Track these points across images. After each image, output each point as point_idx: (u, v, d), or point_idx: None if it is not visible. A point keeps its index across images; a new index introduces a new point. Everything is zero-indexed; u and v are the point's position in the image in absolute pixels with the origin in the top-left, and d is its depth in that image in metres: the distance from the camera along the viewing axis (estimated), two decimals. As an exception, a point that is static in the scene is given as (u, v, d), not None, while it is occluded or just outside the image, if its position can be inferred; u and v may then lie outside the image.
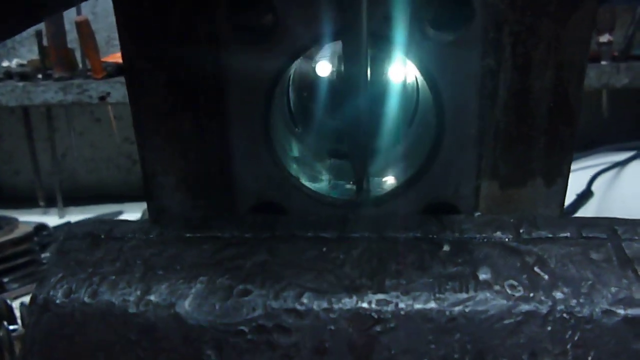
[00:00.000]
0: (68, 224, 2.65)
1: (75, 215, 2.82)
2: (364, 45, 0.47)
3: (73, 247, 0.52)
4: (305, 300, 0.45)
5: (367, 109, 0.50)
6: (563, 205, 0.55)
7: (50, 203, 2.99)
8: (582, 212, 2.00)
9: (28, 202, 3.00)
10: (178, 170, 0.56)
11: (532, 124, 0.53)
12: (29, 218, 2.55)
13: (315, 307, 0.45)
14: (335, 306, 0.44)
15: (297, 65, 0.75)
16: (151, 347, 0.45)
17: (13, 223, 2.13)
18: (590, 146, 2.46)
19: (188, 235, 0.52)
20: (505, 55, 0.51)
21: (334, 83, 0.84)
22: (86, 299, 0.47)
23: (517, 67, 0.51)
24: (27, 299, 1.92)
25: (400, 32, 0.50)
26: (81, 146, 3.12)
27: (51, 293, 0.48)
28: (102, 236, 0.53)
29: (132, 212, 2.82)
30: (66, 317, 0.47)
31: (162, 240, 0.52)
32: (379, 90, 0.69)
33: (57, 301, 0.47)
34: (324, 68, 0.86)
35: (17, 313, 1.62)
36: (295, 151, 0.63)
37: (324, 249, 0.49)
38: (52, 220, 2.78)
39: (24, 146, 3.01)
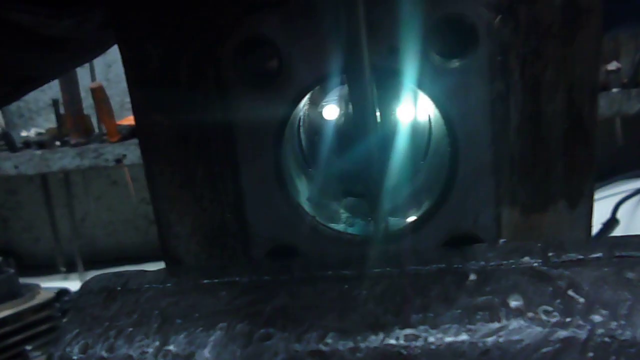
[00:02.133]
0: (88, 288, 2.64)
1: (96, 279, 2.81)
2: (368, 79, 0.47)
3: (89, 303, 0.51)
4: (329, 341, 0.43)
5: (378, 145, 0.50)
6: (590, 227, 0.53)
7: (70, 268, 3.00)
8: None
9: (48, 268, 3.01)
10: (192, 218, 0.56)
11: (548, 147, 0.52)
12: (50, 284, 2.55)
13: (340, 347, 0.43)
14: (362, 345, 0.42)
15: (305, 108, 0.76)
16: (172, 400, 0.43)
17: (34, 290, 2.13)
18: (608, 175, 2.42)
19: (205, 282, 0.51)
20: (514, 78, 0.50)
21: (342, 125, 0.84)
22: (104, 354, 0.45)
23: (527, 90, 0.51)
24: (49, 366, 1.89)
25: (406, 63, 0.50)
26: (99, 210, 3.16)
27: (67, 350, 0.46)
28: (118, 289, 0.52)
29: (152, 272, 2.80)
30: (83, 374, 0.45)
31: (178, 289, 0.51)
32: (389, 126, 0.68)
33: (74, 358, 0.46)
34: (331, 112, 0.86)
35: (39, 381, 1.59)
36: (310, 192, 0.63)
37: (345, 287, 0.47)
38: (74, 285, 2.77)
39: (43, 213, 3.05)
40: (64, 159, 2.63)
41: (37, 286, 2.20)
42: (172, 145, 0.53)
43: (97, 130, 2.77)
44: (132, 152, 2.61)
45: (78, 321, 0.49)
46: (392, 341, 0.42)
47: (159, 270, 0.53)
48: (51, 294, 2.19)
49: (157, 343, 0.45)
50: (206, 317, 0.47)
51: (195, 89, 0.52)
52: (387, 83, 0.58)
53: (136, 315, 0.48)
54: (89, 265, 2.98)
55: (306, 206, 0.56)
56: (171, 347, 0.45)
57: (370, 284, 0.47)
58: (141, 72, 0.52)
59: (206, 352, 0.44)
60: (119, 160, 2.65)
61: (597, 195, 0.55)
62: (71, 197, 3.03)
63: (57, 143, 2.72)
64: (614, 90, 2.42)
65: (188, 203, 0.55)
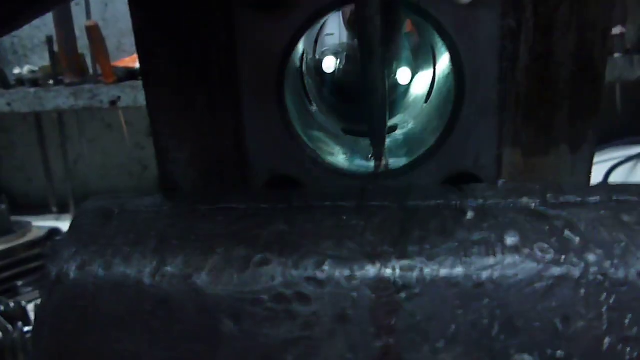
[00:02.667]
0: (80, 229, 2.65)
1: (88, 221, 2.82)
2: (376, 7, 0.45)
3: (86, 222, 0.51)
4: (325, 268, 0.43)
5: (382, 79, 0.49)
6: (590, 172, 0.53)
7: (62, 209, 3.00)
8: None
9: (41, 208, 3.01)
10: (191, 145, 0.55)
11: (555, 88, 0.52)
12: (42, 224, 2.55)
13: (336, 274, 0.43)
14: (357, 273, 0.43)
15: (308, 53, 0.74)
16: (166, 317, 0.44)
17: (26, 227, 2.14)
18: (604, 140, 2.42)
19: (202, 207, 0.50)
20: (527, 15, 0.49)
21: (342, 76, 0.83)
22: (100, 272, 0.46)
23: (538, 28, 0.50)
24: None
25: (417, -6, 0.48)
26: (92, 153, 3.13)
27: (64, 267, 0.46)
28: (115, 211, 0.51)
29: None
30: (80, 290, 0.45)
31: (176, 212, 0.50)
32: (393, 62, 0.67)
33: (71, 275, 0.46)
34: (329, 63, 0.85)
35: (32, 315, 1.62)
36: (311, 126, 0.62)
37: (344, 218, 0.47)
38: (65, 225, 2.78)
39: (37, 153, 3.02)
40: (58, 99, 2.59)
41: (29, 224, 2.21)
42: (172, 68, 0.52)
43: (91, 71, 2.72)
44: (127, 94, 2.57)
45: (75, 240, 0.49)
46: (389, 270, 0.43)
47: (156, 195, 0.53)
48: (43, 232, 2.20)
49: (154, 264, 0.45)
50: (203, 240, 0.47)
51: (198, 9, 0.50)
52: (393, 16, 0.56)
53: (133, 235, 0.48)
54: (82, 207, 2.99)
55: (307, 139, 0.55)
56: (168, 269, 0.45)
57: (368, 215, 0.47)
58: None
59: (203, 275, 0.44)
60: (113, 103, 2.61)
61: (591, 159, 0.55)
62: (65, 139, 3.00)
63: (51, 82, 2.67)
64: (616, 55, 2.39)
65: (187, 129, 0.54)
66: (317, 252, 0.44)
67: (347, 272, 0.43)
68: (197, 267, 0.45)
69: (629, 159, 2.21)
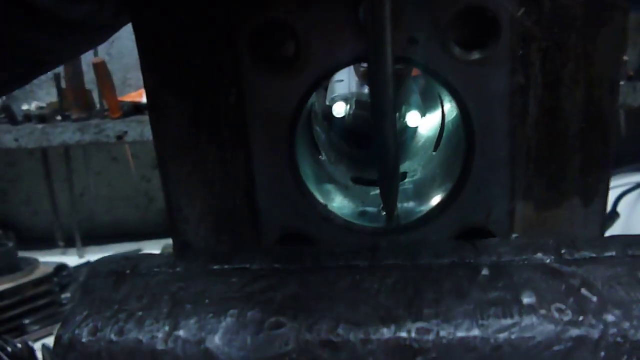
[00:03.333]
0: (88, 263, 2.65)
1: (94, 255, 2.83)
2: (389, 68, 0.46)
3: (97, 285, 0.51)
4: (340, 332, 0.43)
5: (393, 134, 0.49)
6: (603, 226, 0.53)
7: (69, 243, 3.01)
8: (608, 234, 1.95)
9: (47, 242, 3.01)
10: (203, 202, 0.55)
11: (564, 142, 0.52)
12: (48, 258, 2.55)
13: (351, 338, 0.42)
14: (373, 337, 0.42)
15: (318, 100, 0.75)
16: (181, 385, 0.43)
17: (33, 264, 2.14)
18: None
19: (215, 267, 0.50)
20: (535, 72, 0.50)
21: (351, 121, 0.84)
22: (113, 337, 0.45)
23: (546, 84, 0.50)
24: (48, 340, 1.90)
25: (425, 54, 0.49)
26: (99, 185, 3.15)
27: (76, 332, 0.46)
28: (127, 272, 0.51)
29: (151, 250, 2.82)
30: (93, 357, 0.45)
31: (188, 274, 0.50)
32: (403, 116, 0.68)
33: (83, 340, 0.45)
34: (339, 108, 0.86)
35: (39, 355, 1.61)
36: (320, 179, 0.62)
37: (357, 279, 0.47)
38: (72, 260, 2.78)
39: (43, 187, 3.04)
40: (65, 134, 2.62)
41: (36, 260, 2.21)
42: (184, 128, 0.53)
43: (98, 106, 2.75)
44: (133, 128, 2.59)
45: (87, 303, 0.48)
46: (404, 334, 0.42)
47: (168, 254, 0.53)
48: (50, 269, 2.20)
49: (167, 328, 0.45)
50: (217, 303, 0.46)
51: (209, 72, 0.51)
52: (405, 73, 0.57)
53: (145, 299, 0.48)
54: (87, 240, 2.99)
55: (317, 193, 0.55)
56: (181, 333, 0.45)
57: (381, 276, 0.47)
58: (156, 53, 0.51)
59: (217, 339, 0.44)
60: (120, 137, 2.63)
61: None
62: (71, 172, 3.02)
63: (58, 117, 2.70)
64: (619, 82, 2.40)
65: (198, 187, 0.54)
66: (331, 315, 0.44)
67: (361, 336, 0.43)
68: (210, 330, 0.44)
69: (637, 185, 2.21)
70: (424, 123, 0.78)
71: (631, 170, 2.39)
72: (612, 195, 2.16)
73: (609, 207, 2.07)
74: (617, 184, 2.28)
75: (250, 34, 0.49)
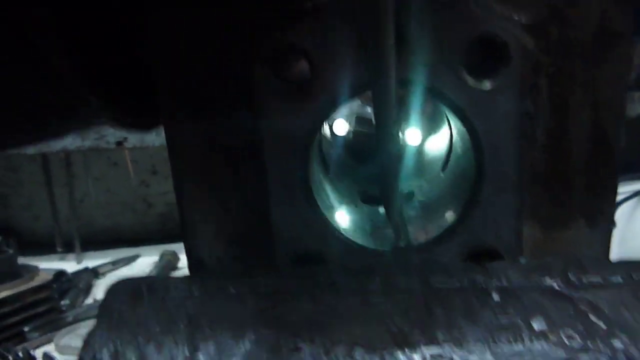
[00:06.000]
0: (86, 269, 2.65)
1: (93, 260, 2.83)
2: (392, 91, 0.47)
3: (116, 305, 0.52)
4: (357, 357, 0.44)
5: (397, 156, 0.50)
6: (609, 247, 0.54)
7: (68, 248, 3.00)
8: (605, 243, 1.97)
9: (46, 247, 3.01)
10: (217, 222, 0.56)
11: (571, 166, 0.53)
12: (47, 264, 2.55)
13: (367, 362, 0.44)
14: (388, 361, 0.43)
15: None
16: (201, 409, 0.44)
17: (33, 271, 2.14)
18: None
19: (231, 289, 0.51)
20: (543, 98, 0.51)
21: (352, 140, 0.85)
22: (133, 360, 0.46)
23: (554, 109, 0.51)
24: (47, 347, 1.90)
25: (436, 80, 0.50)
26: (98, 191, 3.15)
27: (97, 356, 0.47)
28: (144, 293, 0.52)
29: (149, 255, 2.82)
30: (114, 381, 0.46)
31: (205, 295, 0.51)
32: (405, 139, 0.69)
33: (104, 363, 0.46)
34: (340, 127, 0.87)
35: (40, 363, 1.61)
36: (331, 199, 0.63)
37: (370, 299, 0.48)
38: (70, 265, 2.78)
39: (43, 193, 3.04)
40: (65, 139, 2.62)
41: (36, 267, 2.21)
42: (200, 152, 0.54)
43: (98, 112, 2.76)
44: (133, 135, 2.59)
45: (107, 326, 0.49)
46: (418, 358, 0.43)
47: (184, 277, 0.54)
48: (49, 276, 2.20)
49: (186, 351, 0.46)
50: (234, 326, 0.47)
51: (226, 98, 0.52)
52: (412, 96, 0.58)
53: (165, 320, 0.49)
54: (86, 245, 2.99)
55: (329, 213, 0.57)
56: (201, 357, 0.46)
57: (394, 298, 0.48)
58: (173, 77, 0.52)
59: (235, 362, 0.45)
60: (119, 143, 2.63)
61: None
62: (71, 177, 3.02)
63: (58, 123, 2.70)
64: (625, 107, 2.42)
65: (214, 207, 0.56)
66: (347, 339, 0.45)
67: None
68: (229, 355, 0.45)
69: (633, 194, 2.22)
70: (430, 143, 0.79)
71: (628, 179, 2.40)
72: (609, 203, 2.18)
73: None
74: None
75: (267, 59, 0.50)
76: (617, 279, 0.48)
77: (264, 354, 0.45)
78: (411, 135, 0.83)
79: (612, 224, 0.54)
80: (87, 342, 0.48)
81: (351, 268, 0.53)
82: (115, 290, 0.53)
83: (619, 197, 1.90)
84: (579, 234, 0.55)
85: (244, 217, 0.56)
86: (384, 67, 0.44)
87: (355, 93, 0.52)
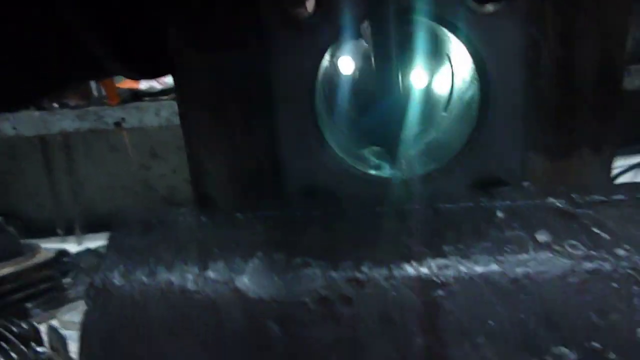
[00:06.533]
0: (88, 250, 2.66)
1: (94, 242, 2.83)
2: (390, 21, 0.47)
3: (125, 234, 0.52)
4: (365, 269, 0.45)
5: (397, 89, 0.51)
6: (610, 172, 0.55)
7: (68, 231, 3.01)
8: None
9: (47, 230, 3.02)
10: (225, 157, 0.57)
11: (577, 93, 0.53)
12: (48, 246, 2.56)
13: (375, 274, 0.44)
14: (396, 273, 0.44)
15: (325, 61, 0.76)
16: (212, 322, 0.45)
17: (35, 249, 2.14)
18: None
19: (239, 216, 0.52)
20: (548, 25, 0.51)
21: (358, 80, 0.84)
22: (144, 279, 0.47)
23: (560, 36, 0.52)
24: (52, 322, 1.91)
25: (440, 6, 0.50)
26: (98, 174, 3.15)
27: (108, 275, 0.48)
28: (155, 222, 0.53)
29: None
30: (125, 298, 0.47)
31: (214, 222, 0.52)
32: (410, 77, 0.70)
33: (116, 282, 0.47)
34: (346, 65, 0.86)
35: (44, 337, 1.62)
36: (338, 136, 0.64)
37: (378, 222, 0.49)
38: (71, 247, 2.79)
39: (42, 176, 3.04)
40: (63, 121, 2.62)
41: (38, 246, 2.22)
42: (207, 83, 0.54)
43: (96, 93, 2.75)
44: (132, 115, 2.59)
45: (117, 250, 0.50)
46: (426, 270, 0.44)
47: (193, 207, 0.55)
48: (51, 254, 2.21)
49: (197, 270, 0.47)
50: (243, 247, 0.48)
51: (233, 27, 0.52)
52: (416, 28, 0.58)
53: (174, 245, 0.50)
54: (87, 229, 2.99)
55: (337, 149, 0.57)
56: (211, 273, 0.46)
57: (402, 219, 0.49)
58: (182, 12, 0.52)
59: (245, 279, 0.46)
60: (118, 124, 2.63)
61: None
62: (71, 161, 3.02)
63: (56, 105, 2.69)
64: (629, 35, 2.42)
65: (221, 142, 0.56)
66: (355, 255, 0.46)
67: (385, 272, 0.45)
68: (238, 271, 0.46)
69: (630, 167, 2.23)
70: (432, 86, 0.79)
71: (625, 153, 2.42)
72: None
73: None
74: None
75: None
76: (621, 197, 0.49)
77: (273, 269, 0.46)
78: (417, 77, 0.82)
79: (614, 151, 0.55)
80: (99, 265, 0.49)
81: (360, 198, 0.53)
82: (122, 221, 0.54)
83: (616, 170, 1.90)
84: (583, 162, 0.55)
85: (252, 152, 0.57)
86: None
87: (358, 24, 0.53)
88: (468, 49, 0.52)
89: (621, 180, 2.23)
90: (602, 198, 0.49)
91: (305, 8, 0.53)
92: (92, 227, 3.04)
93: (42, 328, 1.75)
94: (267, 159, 0.56)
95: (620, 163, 2.33)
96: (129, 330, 0.46)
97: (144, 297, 0.46)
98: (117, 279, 0.47)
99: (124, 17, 0.57)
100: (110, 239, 0.53)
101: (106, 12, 0.53)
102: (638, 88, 2.39)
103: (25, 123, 2.64)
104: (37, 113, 2.65)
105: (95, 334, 0.47)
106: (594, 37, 0.52)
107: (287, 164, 0.55)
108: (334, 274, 0.45)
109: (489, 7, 0.51)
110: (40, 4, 0.52)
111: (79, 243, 2.92)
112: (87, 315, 0.48)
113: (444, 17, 0.51)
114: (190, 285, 0.46)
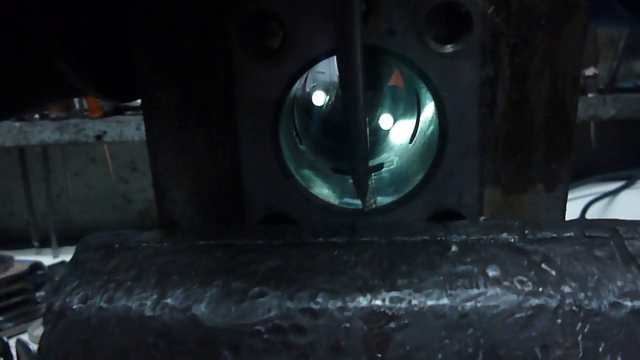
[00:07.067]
0: (63, 262, 2.62)
1: (70, 255, 2.80)
2: (359, 58, 0.49)
3: (87, 258, 0.53)
4: (320, 300, 0.46)
5: (363, 120, 0.52)
6: (564, 211, 0.57)
7: (44, 243, 2.97)
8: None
9: (22, 242, 2.97)
10: (190, 183, 0.58)
11: (530, 132, 0.56)
12: (23, 258, 2.52)
13: (329, 306, 0.45)
14: (350, 304, 0.45)
15: (298, 88, 0.78)
16: (168, 349, 0.45)
17: (8, 261, 2.12)
18: (580, 176, 2.50)
19: (201, 243, 0.53)
20: (503, 65, 0.54)
21: (330, 112, 0.87)
22: (103, 304, 0.47)
23: (514, 77, 0.54)
24: (22, 336, 1.88)
25: (403, 45, 0.52)
26: (76, 186, 3.12)
27: (67, 300, 0.48)
28: (116, 246, 0.53)
29: (127, 251, 2.80)
30: (83, 323, 0.47)
31: (175, 248, 0.53)
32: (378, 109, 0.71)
33: (74, 307, 0.48)
34: (319, 98, 0.89)
35: (13, 351, 1.59)
36: (301, 165, 0.65)
37: (335, 253, 0.50)
38: (47, 259, 2.75)
39: (19, 187, 3.00)
40: (43, 133, 2.60)
41: (11, 258, 2.19)
42: (174, 112, 0.55)
43: (77, 106, 2.74)
44: (112, 129, 2.59)
45: (77, 274, 0.50)
46: (379, 302, 0.45)
47: (156, 231, 0.55)
48: (25, 267, 2.18)
49: (155, 296, 0.47)
50: (203, 274, 0.49)
51: (200, 58, 0.54)
52: (381, 64, 0.60)
53: (134, 270, 0.50)
54: (63, 241, 2.96)
55: (299, 178, 0.58)
56: (169, 301, 0.47)
57: (359, 251, 0.50)
58: (149, 38, 0.53)
59: (202, 307, 0.46)
60: (99, 137, 2.62)
61: (568, 195, 0.59)
62: (49, 172, 2.99)
63: (37, 116, 2.68)
64: (590, 95, 2.49)
65: (186, 168, 0.57)
66: (311, 285, 0.47)
67: (339, 304, 0.46)
68: (196, 299, 0.47)
69: (604, 195, 2.28)
70: (398, 126, 0.82)
71: (599, 180, 2.47)
72: (581, 204, 2.24)
73: (578, 215, 2.13)
74: (586, 193, 2.36)
75: (240, 22, 0.52)
76: (571, 234, 0.51)
77: (230, 299, 0.47)
78: (384, 120, 0.86)
79: (567, 188, 0.57)
80: (57, 288, 0.49)
81: (319, 227, 0.55)
82: (87, 243, 0.54)
83: (591, 197, 1.95)
84: (537, 197, 0.57)
85: (216, 179, 0.58)
86: (351, 30, 0.45)
87: (323, 58, 0.54)
88: (427, 87, 0.54)
89: (596, 207, 2.27)
90: (553, 234, 0.51)
91: (273, 40, 0.55)
92: (68, 239, 3.01)
93: (12, 342, 1.73)
94: (230, 187, 0.57)
95: (596, 190, 2.38)
96: (84, 355, 0.46)
97: (101, 322, 0.47)
98: (75, 304, 0.48)
99: (93, 41, 0.58)
100: (72, 262, 0.53)
101: (76, 36, 0.54)
102: (613, 117, 2.45)
103: (4, 134, 2.62)
104: (17, 124, 2.63)
105: (52, 357, 0.47)
106: (547, 78, 0.54)
107: (250, 193, 0.57)
108: (289, 303, 0.46)
109: (448, 48, 0.53)
110: (8, 26, 0.52)
111: (55, 256, 2.88)
112: (44, 338, 0.48)
113: (405, 56, 0.53)
114: (147, 312, 0.47)
